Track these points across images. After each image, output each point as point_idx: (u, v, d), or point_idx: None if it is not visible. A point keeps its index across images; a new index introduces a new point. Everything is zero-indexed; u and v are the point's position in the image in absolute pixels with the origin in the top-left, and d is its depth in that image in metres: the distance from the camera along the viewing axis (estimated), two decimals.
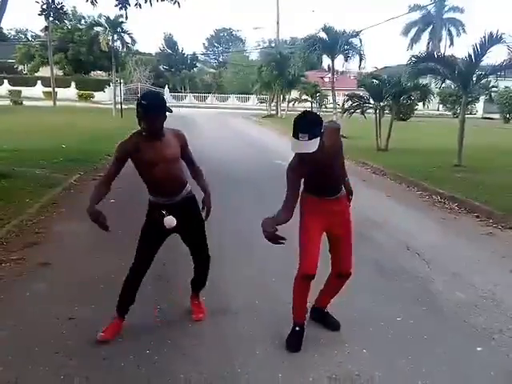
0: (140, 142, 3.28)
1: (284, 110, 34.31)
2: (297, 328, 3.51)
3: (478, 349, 3.51)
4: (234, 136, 20.32)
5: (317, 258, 3.38)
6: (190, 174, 3.74)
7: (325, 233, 3.50)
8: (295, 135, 3.03)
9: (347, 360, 3.31)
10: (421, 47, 48.53)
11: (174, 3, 11.14)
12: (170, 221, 3.42)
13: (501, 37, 10.51)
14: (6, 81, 46.70)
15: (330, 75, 27.25)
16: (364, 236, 6.12)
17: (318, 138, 3.00)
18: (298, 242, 3.44)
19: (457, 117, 24.23)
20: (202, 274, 3.90)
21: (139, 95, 3.36)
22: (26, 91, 44.42)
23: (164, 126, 3.33)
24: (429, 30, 49.77)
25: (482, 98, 36.91)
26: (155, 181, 3.41)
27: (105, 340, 3.43)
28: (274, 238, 3.12)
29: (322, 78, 38.92)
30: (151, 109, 3.17)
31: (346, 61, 23.41)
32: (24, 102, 37.36)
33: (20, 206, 6.66)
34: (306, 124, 3.04)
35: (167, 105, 3.33)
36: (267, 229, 3.09)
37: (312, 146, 2.98)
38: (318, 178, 3.30)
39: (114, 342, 3.45)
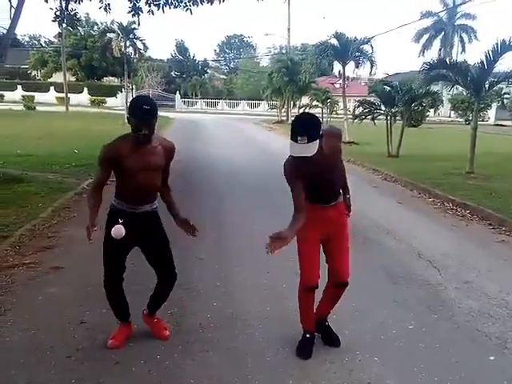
0: (125, 147, 3.17)
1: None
2: (307, 335, 3.50)
3: (491, 358, 3.48)
4: (245, 141, 20.37)
5: (317, 268, 3.35)
6: (161, 190, 3.53)
7: (321, 241, 3.44)
8: (294, 138, 2.98)
9: (358, 368, 3.30)
10: (432, 54, 48.42)
11: (186, 10, 11.27)
12: (117, 230, 3.18)
13: None
14: (19, 86, 47.33)
15: (340, 81, 27.18)
16: (375, 242, 6.11)
17: (317, 141, 2.95)
18: (298, 252, 3.40)
19: (469, 123, 24.10)
20: (165, 294, 3.64)
21: (134, 100, 3.25)
22: (39, 96, 44.92)
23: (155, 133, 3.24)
24: (440, 36, 49.59)
25: (494, 105, 36.79)
26: (130, 186, 3.25)
27: (115, 347, 3.44)
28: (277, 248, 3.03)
29: (332, 84, 38.75)
30: (153, 113, 3.12)
31: (357, 67, 23.36)
32: (37, 108, 37.72)
33: (33, 211, 6.72)
34: (304, 126, 3.00)
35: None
36: (283, 243, 3.01)
37: (311, 148, 2.94)
38: (316, 184, 3.23)
39: (125, 346, 3.47)
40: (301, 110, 32.36)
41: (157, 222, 3.47)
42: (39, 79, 50.63)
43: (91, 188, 3.40)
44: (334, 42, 22.19)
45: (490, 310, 4.23)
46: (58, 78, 45.59)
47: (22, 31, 56.84)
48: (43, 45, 53.39)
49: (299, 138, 2.94)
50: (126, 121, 3.29)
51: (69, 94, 40.22)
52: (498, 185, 9.70)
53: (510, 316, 4.13)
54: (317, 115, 3.17)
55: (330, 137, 3.22)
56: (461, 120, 38.84)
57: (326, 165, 3.15)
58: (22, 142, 13.98)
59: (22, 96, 44.21)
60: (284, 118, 36.12)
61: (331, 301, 3.62)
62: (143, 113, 3.07)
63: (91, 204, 3.24)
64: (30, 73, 50.61)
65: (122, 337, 3.53)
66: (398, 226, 7.04)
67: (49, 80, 48.87)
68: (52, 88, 47.45)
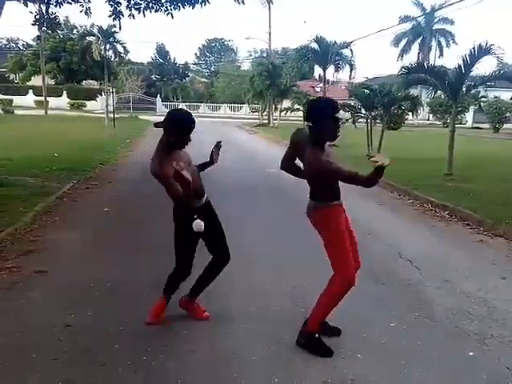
0: (171, 154, 3.49)
1: (276, 119, 34.50)
2: (316, 335, 3.54)
3: (470, 353, 3.57)
4: (226, 144, 20.34)
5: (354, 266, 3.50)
6: None
7: None
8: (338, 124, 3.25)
9: (342, 365, 3.36)
10: (411, 58, 49.04)
11: (168, 14, 11.29)
12: (199, 224, 3.55)
13: (490, 48, 10.67)
14: None
15: (321, 85, 27.45)
16: None
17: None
18: (336, 251, 3.43)
19: (447, 126, 24.50)
20: (213, 277, 3.96)
21: (182, 117, 3.55)
22: (17, 100, 44.32)
23: None
24: (419, 40, 50.32)
25: (472, 108, 37.41)
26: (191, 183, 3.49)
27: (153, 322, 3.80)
28: None
29: (313, 87, 39.22)
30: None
31: (337, 71, 23.67)
32: (15, 111, 37.22)
33: (14, 215, 6.65)
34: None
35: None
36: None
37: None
38: (336, 181, 3.40)
39: (112, 348, 3.48)
40: (282, 114, 32.64)
41: (214, 210, 3.92)
42: (17, 82, 49.95)
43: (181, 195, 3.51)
44: (315, 46, 22.44)
45: (470, 308, 4.33)
46: (36, 81, 45.02)
47: (0, 34, 55.85)
48: (21, 48, 52.75)
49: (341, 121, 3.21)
50: (164, 130, 3.54)
51: (48, 98, 39.86)
52: (475, 186, 9.89)
53: (488, 313, 4.23)
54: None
55: None
56: (439, 123, 39.45)
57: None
58: (1, 146, 13.79)
59: (0, 100, 43.57)
60: (266, 121, 36.27)
61: None
62: (190, 128, 3.50)
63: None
64: (8, 76, 49.88)
65: (161, 308, 3.91)
66: (379, 227, 7.15)
67: (27, 83, 48.20)
68: (31, 91, 46.84)
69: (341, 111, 3.24)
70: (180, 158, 3.54)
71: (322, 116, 3.26)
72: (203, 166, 3.99)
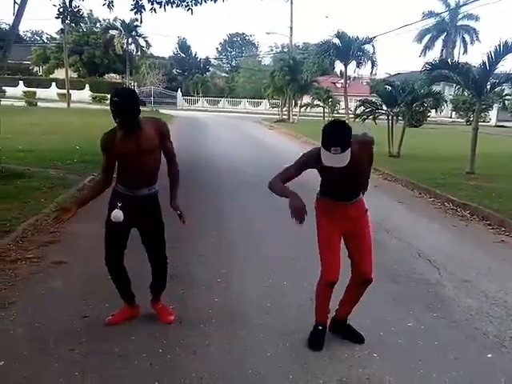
0: (116, 135, 3.37)
1: (296, 115, 34.37)
2: (319, 327, 3.55)
3: (489, 355, 3.52)
4: (244, 140, 20.38)
5: (339, 264, 3.38)
6: (167, 170, 3.71)
7: (343, 238, 3.47)
8: (326, 147, 2.94)
9: (357, 364, 3.33)
10: (434, 54, 48.46)
11: (188, 10, 11.32)
12: (117, 214, 3.41)
13: None
14: (21, 82, 47.31)
15: (342, 81, 27.25)
16: (375, 241, 6.08)
17: (349, 150, 2.93)
18: (318, 248, 3.43)
19: (470, 124, 24.11)
20: (160, 278, 3.79)
21: (113, 93, 3.33)
22: (40, 93, 44.98)
23: (141, 117, 3.36)
24: (442, 37, 49.58)
25: (496, 106, 36.76)
26: (126, 171, 3.46)
27: (111, 323, 3.67)
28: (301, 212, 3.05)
29: (334, 83, 38.90)
30: (124, 105, 3.22)
31: (359, 67, 23.48)
32: (38, 104, 37.74)
33: (35, 206, 6.75)
34: (339, 136, 2.94)
35: (141, 99, 3.48)
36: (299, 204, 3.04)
37: (345, 159, 2.92)
38: (340, 183, 3.25)
39: (128, 340, 3.51)
40: (302, 109, 32.50)
41: (154, 206, 3.61)
42: (41, 75, 50.65)
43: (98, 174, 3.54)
44: (336, 41, 22.33)
45: (489, 309, 4.26)
46: (59, 74, 45.64)
47: (25, 27, 56.82)
48: (45, 41, 53.44)
49: (333, 149, 2.90)
50: None
51: (70, 91, 40.25)
52: (498, 185, 9.73)
53: (508, 315, 4.16)
54: (346, 122, 3.13)
55: (364, 144, 3.25)
56: (462, 121, 38.87)
57: (353, 169, 3.09)
58: (24, 138, 14.00)
59: (24, 92, 44.26)
60: (285, 117, 36.16)
61: (353, 301, 3.63)
62: (113, 104, 3.22)
63: (87, 190, 3.42)
64: (32, 69, 50.67)
65: (121, 317, 3.70)
66: (398, 225, 7.07)
67: (51, 76, 48.87)
68: (54, 84, 47.43)
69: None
70: (130, 139, 3.33)
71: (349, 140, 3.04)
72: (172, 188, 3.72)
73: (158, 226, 3.66)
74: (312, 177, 3.52)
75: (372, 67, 23.19)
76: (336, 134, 2.98)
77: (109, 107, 3.30)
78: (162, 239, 3.69)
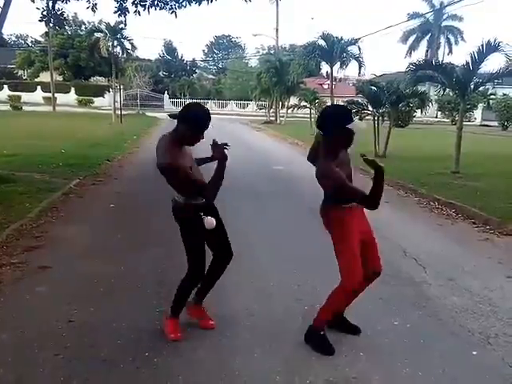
0: (180, 151, 3.40)
1: (283, 117, 34.45)
2: (322, 332, 3.54)
3: (474, 353, 3.55)
4: (233, 143, 20.31)
5: (362, 271, 3.39)
6: None
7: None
8: (350, 120, 3.21)
9: (344, 363, 3.35)
10: (419, 55, 48.90)
11: (172, 13, 11.30)
12: (211, 220, 3.47)
13: (498, 45, 10.57)
14: (5, 86, 46.85)
15: (328, 82, 27.34)
16: None
17: None
18: (341, 256, 3.40)
19: (455, 124, 24.33)
20: (218, 277, 3.84)
21: (197, 112, 3.40)
22: (25, 96, 44.48)
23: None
24: (427, 37, 49.99)
25: (480, 106, 37.19)
26: (190, 183, 3.40)
27: (178, 338, 3.57)
28: None
29: (320, 84, 39.01)
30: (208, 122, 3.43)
31: (342, 67, 23.59)
32: (24, 108, 37.38)
33: (20, 211, 6.69)
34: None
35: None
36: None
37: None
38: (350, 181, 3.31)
39: (114, 344, 3.49)
40: (289, 111, 32.57)
41: (215, 206, 3.71)
42: (26, 79, 50.17)
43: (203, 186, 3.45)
44: (322, 42, 22.37)
45: (474, 307, 4.30)
46: (44, 77, 45.18)
47: (9, 31, 56.29)
48: (30, 44, 52.96)
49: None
50: (177, 124, 3.42)
51: (56, 94, 39.96)
52: (483, 184, 9.84)
53: (492, 312, 4.20)
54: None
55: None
56: (447, 120, 39.23)
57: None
58: (9, 142, 13.87)
59: (9, 96, 43.77)
60: (272, 119, 36.22)
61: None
62: (207, 125, 3.39)
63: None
64: (17, 72, 50.12)
65: (178, 327, 3.66)
66: (385, 224, 7.08)
67: (36, 80, 48.41)
68: (39, 88, 46.99)
69: (356, 120, 3.22)
70: (186, 154, 3.45)
71: (334, 125, 3.19)
72: (201, 161, 3.84)
73: (222, 221, 3.75)
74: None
75: (359, 68, 23.28)
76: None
77: (184, 122, 3.33)
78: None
